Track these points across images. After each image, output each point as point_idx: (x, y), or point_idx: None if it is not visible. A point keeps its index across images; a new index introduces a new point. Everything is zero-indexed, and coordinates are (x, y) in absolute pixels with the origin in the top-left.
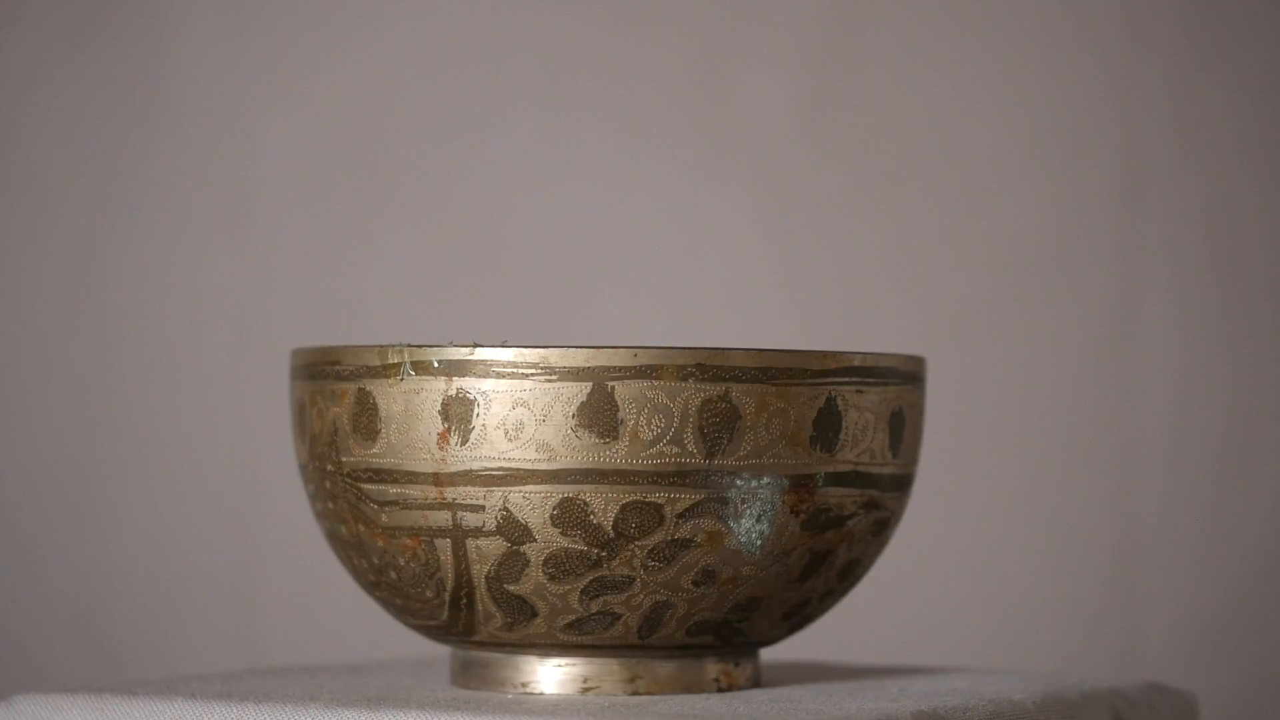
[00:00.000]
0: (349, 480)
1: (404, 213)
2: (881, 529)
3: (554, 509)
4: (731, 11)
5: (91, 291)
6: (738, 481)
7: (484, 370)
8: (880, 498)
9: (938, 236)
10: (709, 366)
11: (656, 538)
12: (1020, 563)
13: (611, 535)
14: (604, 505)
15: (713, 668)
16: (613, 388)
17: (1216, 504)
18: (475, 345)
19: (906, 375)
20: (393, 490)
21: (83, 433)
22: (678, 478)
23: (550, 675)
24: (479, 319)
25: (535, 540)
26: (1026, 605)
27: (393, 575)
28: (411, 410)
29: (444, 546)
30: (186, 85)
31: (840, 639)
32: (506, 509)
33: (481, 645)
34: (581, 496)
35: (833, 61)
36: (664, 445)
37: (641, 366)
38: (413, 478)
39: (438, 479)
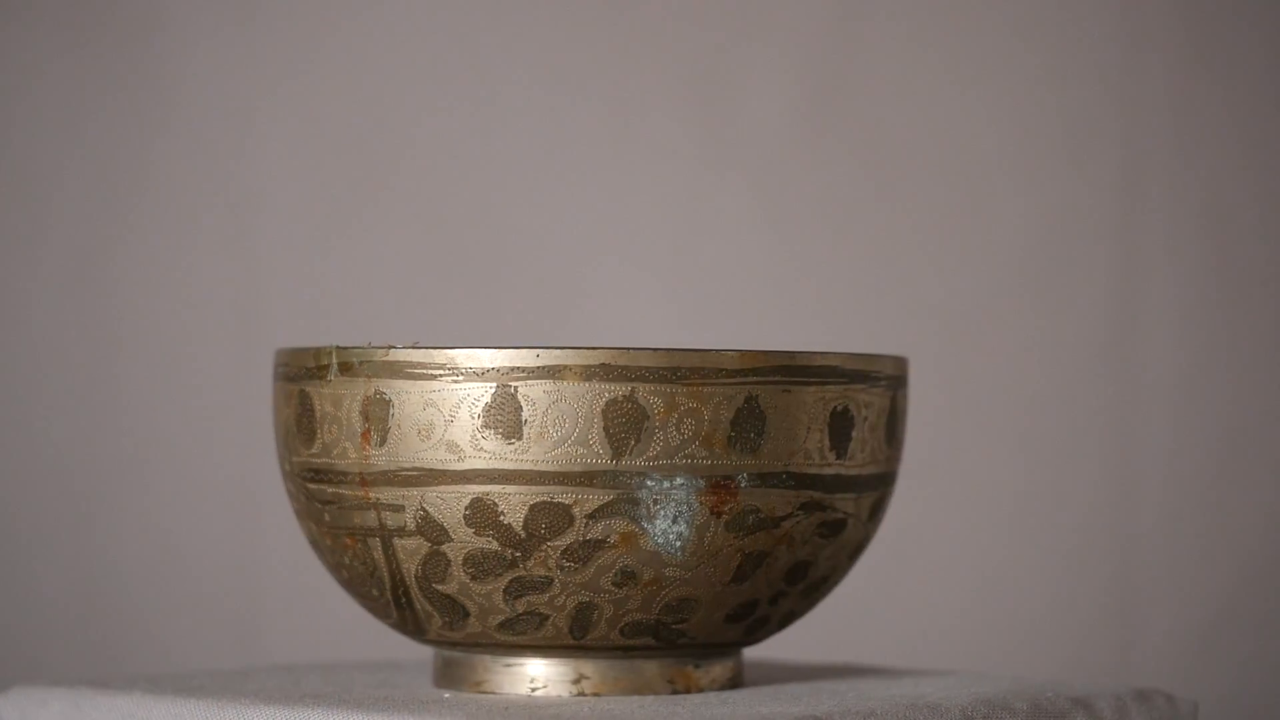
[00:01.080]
0: (300, 480)
1: (403, 212)
2: (835, 531)
3: (465, 509)
4: (731, 11)
5: (89, 290)
6: (648, 482)
7: (397, 371)
8: (825, 499)
9: (938, 236)
10: (614, 366)
11: (568, 538)
12: (1022, 564)
13: (523, 535)
14: (512, 506)
15: (666, 670)
16: (515, 388)
17: (1217, 507)
18: (390, 347)
19: (853, 374)
20: (329, 490)
21: (81, 431)
22: (584, 478)
23: (501, 675)
24: (478, 318)
25: (452, 540)
26: (1029, 608)
27: (344, 574)
28: (340, 411)
29: (375, 545)
30: (185, 84)
31: (853, 639)
32: (424, 509)
33: (438, 644)
34: (490, 497)
35: (833, 61)
36: (569, 446)
37: (545, 367)
38: (343, 478)
39: (363, 479)
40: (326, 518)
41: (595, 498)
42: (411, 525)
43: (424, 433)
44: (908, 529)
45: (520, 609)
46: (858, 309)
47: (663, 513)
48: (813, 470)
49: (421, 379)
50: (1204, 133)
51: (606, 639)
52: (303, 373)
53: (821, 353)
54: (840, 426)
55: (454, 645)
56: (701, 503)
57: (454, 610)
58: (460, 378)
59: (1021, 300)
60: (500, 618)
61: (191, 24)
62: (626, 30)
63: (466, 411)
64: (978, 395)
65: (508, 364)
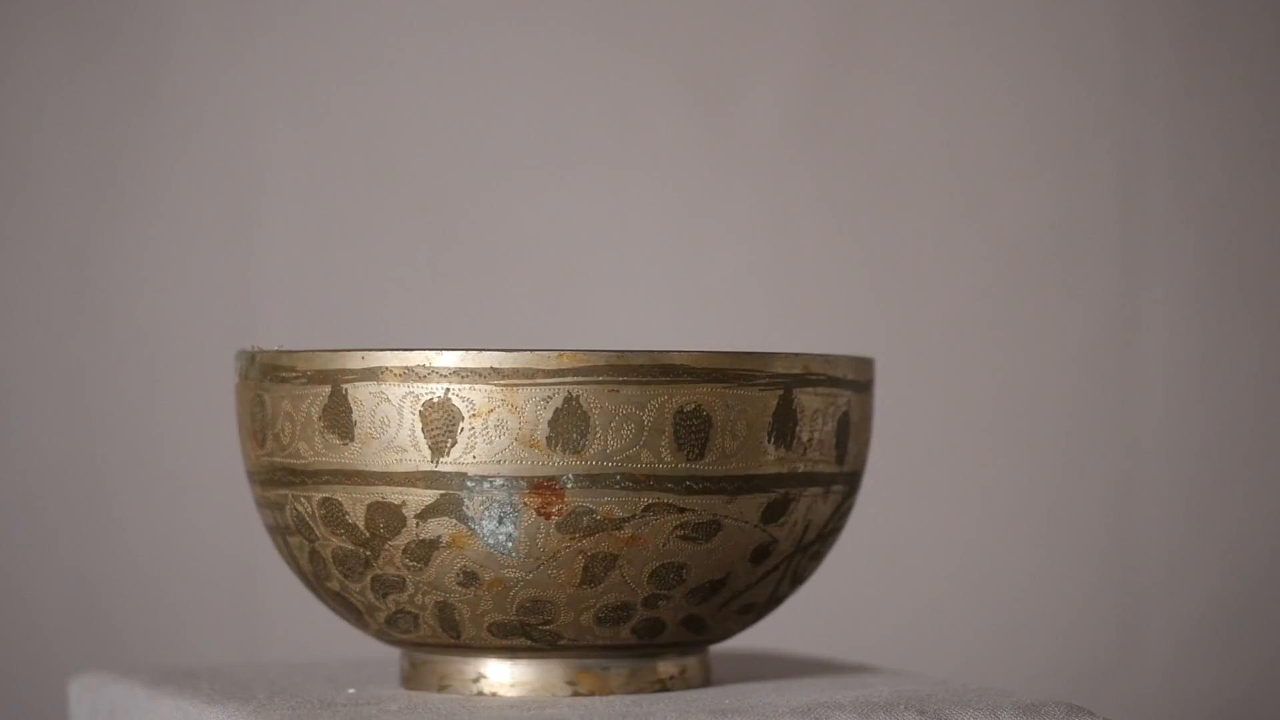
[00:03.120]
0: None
1: (404, 212)
2: (707, 534)
3: (319, 509)
4: (732, 13)
5: (96, 288)
6: (468, 483)
7: (268, 374)
8: (679, 501)
9: (937, 238)
10: (430, 368)
11: (405, 538)
12: (1024, 564)
13: (367, 535)
14: (354, 506)
15: (569, 671)
16: (346, 390)
17: (1213, 507)
18: (260, 350)
19: (707, 373)
20: (254, 490)
21: (86, 427)
22: (409, 479)
23: (423, 672)
24: (478, 319)
25: (318, 539)
26: (1022, 604)
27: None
28: (243, 413)
29: (280, 543)
30: (188, 86)
31: (849, 634)
32: (295, 508)
33: (378, 641)
34: (336, 497)
35: (832, 62)
36: (393, 447)
37: (369, 369)
38: (252, 477)
39: (259, 479)
40: (260, 516)
41: (422, 498)
42: (292, 524)
43: (286, 434)
44: (909, 529)
45: (392, 607)
46: (857, 309)
47: (488, 513)
48: (657, 471)
49: (283, 381)
50: (1203, 133)
51: (479, 639)
52: (236, 376)
53: (662, 351)
54: (690, 426)
55: (382, 641)
56: (526, 504)
57: (349, 608)
58: (305, 380)
59: (1022, 301)
60: (383, 615)
61: (196, 27)
62: (627, 31)
63: (312, 413)
64: (975, 394)
65: (338, 366)
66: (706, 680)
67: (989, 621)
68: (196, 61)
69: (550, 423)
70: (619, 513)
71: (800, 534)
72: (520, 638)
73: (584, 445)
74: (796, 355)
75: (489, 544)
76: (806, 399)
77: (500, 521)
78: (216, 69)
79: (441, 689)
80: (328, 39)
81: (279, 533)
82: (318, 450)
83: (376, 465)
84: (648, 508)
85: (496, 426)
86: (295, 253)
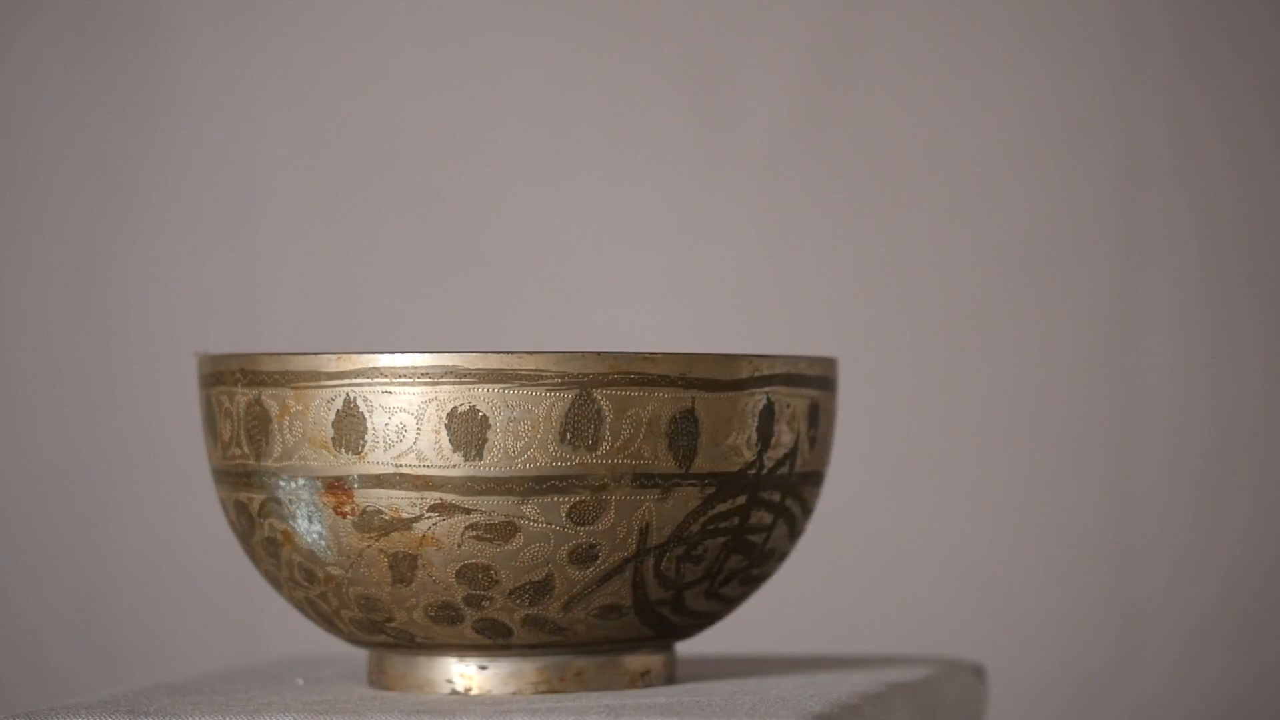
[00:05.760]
0: None
1: (403, 214)
2: (505, 535)
3: (221, 506)
4: (731, 17)
5: (94, 289)
6: (280, 482)
7: (199, 379)
8: (468, 501)
9: (935, 238)
10: (247, 372)
11: (258, 535)
12: (1019, 564)
13: (240, 531)
14: (228, 503)
15: (447, 669)
16: (209, 394)
17: (1213, 505)
18: (195, 354)
19: (480, 374)
20: None
21: (84, 430)
22: (244, 478)
23: (368, 667)
24: (477, 321)
25: (233, 536)
26: (1025, 605)
27: None
28: None
29: None
30: (188, 87)
31: (839, 631)
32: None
33: None
34: (220, 495)
35: (831, 63)
36: (232, 447)
37: (216, 373)
38: None
39: None
40: None
41: (256, 497)
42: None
43: (204, 436)
44: (908, 528)
45: (288, 600)
46: (855, 311)
47: (299, 512)
48: (435, 472)
49: (200, 385)
50: (1201, 134)
51: (354, 635)
52: None
53: (435, 352)
54: (465, 428)
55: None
56: (324, 503)
57: (290, 601)
58: (199, 384)
59: (1018, 301)
60: (294, 605)
61: (196, 28)
62: (626, 33)
63: (202, 416)
64: (973, 394)
65: (204, 371)
66: (640, 683)
67: (989, 622)
68: (192, 59)
69: (334, 424)
70: (405, 513)
71: (639, 537)
72: (381, 635)
73: (362, 446)
74: (599, 354)
75: (308, 542)
76: (615, 398)
77: (310, 520)
78: (212, 67)
79: (371, 684)
80: (324, 35)
81: None
82: (205, 452)
83: (227, 466)
84: (433, 507)
85: (294, 429)
86: (292, 252)
